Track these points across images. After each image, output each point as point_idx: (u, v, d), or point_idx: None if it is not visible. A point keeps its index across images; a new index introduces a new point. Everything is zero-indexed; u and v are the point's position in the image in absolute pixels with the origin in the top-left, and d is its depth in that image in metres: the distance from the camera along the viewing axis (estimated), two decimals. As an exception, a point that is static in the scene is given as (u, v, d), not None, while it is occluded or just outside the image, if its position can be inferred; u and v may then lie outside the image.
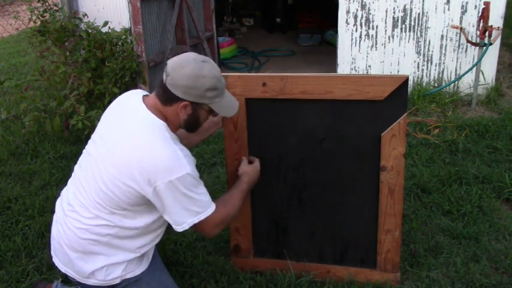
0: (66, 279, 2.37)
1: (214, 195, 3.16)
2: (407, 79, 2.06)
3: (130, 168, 1.79)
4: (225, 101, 1.97)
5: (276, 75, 2.19)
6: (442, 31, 4.77)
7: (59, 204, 2.04)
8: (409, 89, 4.50)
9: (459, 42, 4.77)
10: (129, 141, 1.84)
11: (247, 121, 2.27)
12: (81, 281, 1.95)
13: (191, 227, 1.89)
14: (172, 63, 1.87)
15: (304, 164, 2.29)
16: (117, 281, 1.94)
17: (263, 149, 2.31)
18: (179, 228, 1.87)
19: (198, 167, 3.56)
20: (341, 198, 2.31)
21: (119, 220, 1.88)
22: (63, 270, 1.99)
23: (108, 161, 1.85)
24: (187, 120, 1.93)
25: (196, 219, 1.86)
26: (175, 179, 1.77)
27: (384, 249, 2.31)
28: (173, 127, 1.94)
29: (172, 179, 1.77)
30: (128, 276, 1.96)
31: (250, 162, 2.27)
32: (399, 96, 2.09)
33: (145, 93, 2.02)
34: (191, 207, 1.85)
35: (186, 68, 1.83)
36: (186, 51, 2.01)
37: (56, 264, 2.01)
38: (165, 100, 1.88)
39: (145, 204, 1.87)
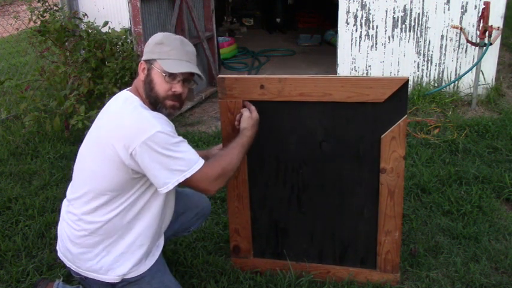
0: (67, 278, 2.39)
1: (214, 195, 3.19)
2: (407, 81, 2.06)
3: (107, 141, 1.85)
4: (178, 61, 1.94)
5: (274, 77, 2.18)
6: (442, 31, 4.77)
7: (63, 202, 2.10)
8: (409, 89, 4.50)
9: (459, 42, 4.77)
10: (106, 119, 1.94)
11: None
12: (83, 274, 1.99)
13: (186, 185, 1.89)
14: None
15: (304, 165, 2.29)
16: (118, 280, 1.96)
17: (262, 151, 2.30)
18: (163, 189, 1.84)
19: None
20: (341, 199, 2.31)
21: (107, 205, 1.91)
22: (67, 265, 2.04)
23: (90, 144, 1.95)
24: (144, 82, 1.96)
25: (181, 178, 1.83)
26: (147, 138, 1.77)
27: (383, 250, 2.31)
28: (145, 102, 1.97)
29: (144, 139, 1.78)
30: (129, 276, 1.98)
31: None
32: (399, 98, 2.08)
33: None
34: (173, 166, 1.81)
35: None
36: None
37: (61, 258, 2.07)
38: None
39: (130, 177, 1.87)
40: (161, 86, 1.93)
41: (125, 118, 1.86)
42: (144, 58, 1.98)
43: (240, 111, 2.19)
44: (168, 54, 1.93)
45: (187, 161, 1.84)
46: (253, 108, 2.19)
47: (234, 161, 1.98)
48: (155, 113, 1.91)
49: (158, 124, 1.81)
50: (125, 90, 2.03)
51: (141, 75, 1.97)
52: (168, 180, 1.82)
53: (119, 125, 1.85)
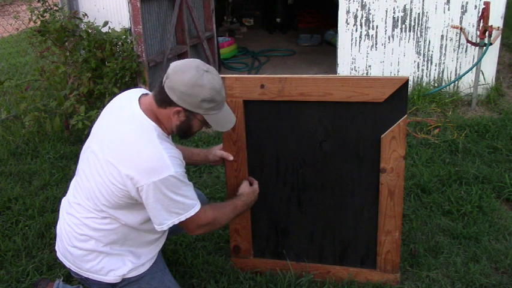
0: (67, 278, 2.39)
1: (214, 195, 3.19)
2: (407, 81, 2.06)
3: (116, 166, 1.81)
4: (222, 115, 1.95)
5: (274, 76, 2.18)
6: (442, 31, 4.77)
7: (63, 201, 2.09)
8: (409, 89, 4.50)
9: (459, 42, 4.77)
10: (117, 140, 1.86)
11: (246, 123, 2.27)
12: (83, 275, 1.99)
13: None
14: (174, 65, 1.86)
15: (304, 165, 2.29)
16: (118, 280, 1.97)
17: (262, 151, 2.30)
18: (158, 228, 1.89)
19: (199, 166, 3.57)
20: (341, 199, 2.30)
21: (111, 216, 1.91)
22: (67, 265, 2.04)
23: (97, 159, 1.89)
24: (180, 127, 1.92)
25: (176, 220, 1.88)
26: (158, 180, 1.78)
27: (383, 250, 2.31)
28: (165, 130, 1.94)
29: (155, 180, 1.78)
30: (129, 275, 1.99)
31: (250, 183, 2.29)
32: (399, 98, 2.08)
33: (145, 91, 2.02)
34: (172, 209, 1.86)
35: (186, 73, 1.81)
36: None
37: (60, 259, 2.06)
38: (160, 101, 1.88)
39: (131, 202, 1.88)
40: (197, 128, 1.97)
41: (139, 151, 1.81)
42: (186, 107, 1.84)
43: (243, 180, 2.30)
44: (214, 108, 1.90)
45: (186, 205, 1.88)
46: (255, 182, 2.29)
47: (225, 216, 2.07)
48: (171, 149, 1.86)
49: (172, 166, 1.80)
50: (137, 107, 1.90)
51: (175, 120, 1.89)
52: (165, 221, 1.87)
53: (132, 156, 1.80)
